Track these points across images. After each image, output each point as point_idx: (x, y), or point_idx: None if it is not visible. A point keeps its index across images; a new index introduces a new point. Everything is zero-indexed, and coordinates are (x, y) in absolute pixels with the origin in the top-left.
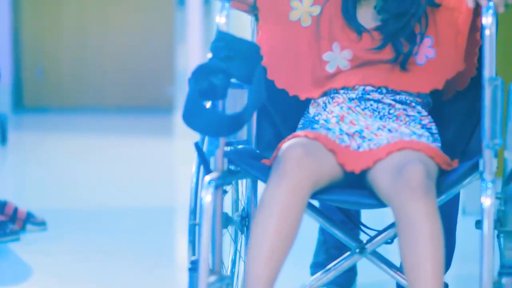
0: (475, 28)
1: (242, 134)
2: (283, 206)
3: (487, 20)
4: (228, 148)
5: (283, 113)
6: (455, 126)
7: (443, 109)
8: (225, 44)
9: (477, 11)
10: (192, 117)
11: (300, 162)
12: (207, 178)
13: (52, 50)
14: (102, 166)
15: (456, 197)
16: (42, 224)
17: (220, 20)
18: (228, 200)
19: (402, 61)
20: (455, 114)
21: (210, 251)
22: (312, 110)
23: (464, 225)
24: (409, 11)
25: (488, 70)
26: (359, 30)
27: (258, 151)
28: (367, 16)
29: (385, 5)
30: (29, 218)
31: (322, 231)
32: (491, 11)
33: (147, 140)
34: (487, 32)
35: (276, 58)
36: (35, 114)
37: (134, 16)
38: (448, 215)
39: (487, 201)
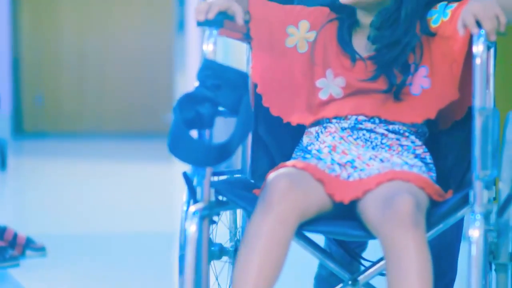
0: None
1: (237, 163)
2: (267, 239)
3: (478, 48)
4: (217, 178)
5: (278, 142)
6: (452, 156)
7: (440, 139)
8: (212, 72)
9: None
10: (178, 147)
11: (286, 193)
12: (192, 208)
13: (51, 76)
14: (101, 192)
15: (459, 224)
16: (41, 249)
17: (207, 48)
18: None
19: (396, 92)
20: (452, 144)
21: (194, 284)
22: (305, 139)
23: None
24: (402, 41)
25: (479, 100)
26: (353, 57)
27: (252, 181)
28: (362, 44)
29: (378, 35)
30: (29, 243)
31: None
32: (482, 39)
33: (146, 166)
34: (477, 60)
35: (271, 85)
36: (34, 139)
37: (133, 42)
38: (449, 243)
39: (475, 233)
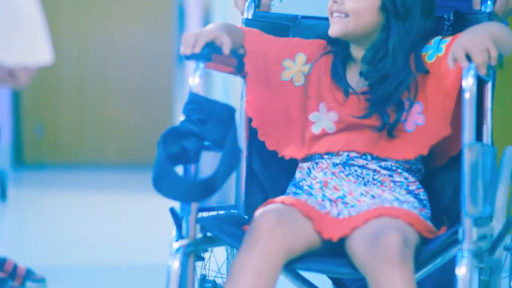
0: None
1: (231, 198)
2: (252, 275)
3: (467, 82)
4: (208, 214)
5: (272, 177)
6: (449, 193)
7: (437, 175)
8: (197, 106)
9: None
10: (161, 182)
11: (273, 229)
12: (176, 245)
13: (51, 107)
14: (101, 223)
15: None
16: (41, 281)
17: (193, 81)
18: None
19: (389, 130)
20: (449, 180)
21: None
22: (298, 174)
23: None
24: (395, 78)
25: (468, 135)
26: (347, 91)
27: (246, 217)
28: (355, 78)
29: (369, 70)
30: (29, 275)
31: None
32: (472, 73)
33: (146, 197)
34: (466, 95)
35: (267, 119)
36: (35, 170)
37: (133, 74)
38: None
39: (462, 271)
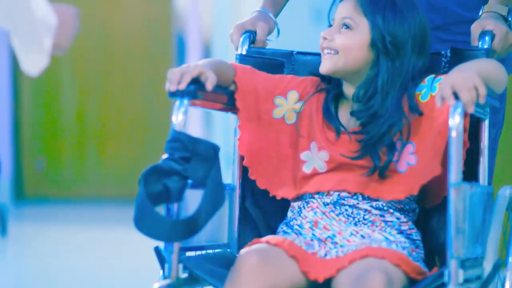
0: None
1: (223, 237)
2: None
3: (454, 120)
4: (193, 253)
5: (265, 216)
6: (443, 233)
7: (432, 215)
8: (180, 145)
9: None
10: (142, 222)
11: (256, 269)
12: (156, 285)
13: (52, 140)
14: (102, 258)
15: None
16: None
17: (176, 118)
18: None
19: (380, 172)
20: (444, 220)
21: None
22: (289, 214)
23: None
24: (386, 118)
25: (454, 175)
26: (338, 130)
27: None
28: (348, 116)
29: (359, 109)
30: None
31: None
32: (459, 110)
33: None
34: (453, 133)
35: (258, 158)
36: (35, 204)
37: (134, 109)
38: None
39: None
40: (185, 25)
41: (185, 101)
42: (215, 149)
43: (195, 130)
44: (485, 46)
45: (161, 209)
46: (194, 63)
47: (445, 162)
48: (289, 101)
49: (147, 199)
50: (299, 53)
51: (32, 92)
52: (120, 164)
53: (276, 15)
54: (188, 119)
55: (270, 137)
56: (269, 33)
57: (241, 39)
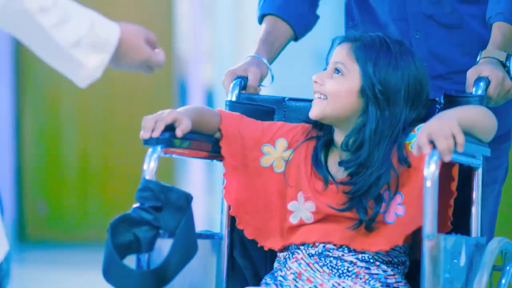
0: (450, 178)
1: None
2: None
3: (429, 169)
4: None
5: (253, 266)
6: None
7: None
8: (151, 194)
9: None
10: (110, 273)
11: None
12: None
13: (54, 184)
14: None
15: None
16: None
17: (148, 166)
18: None
19: (367, 225)
20: None
21: None
22: (275, 265)
23: None
24: (373, 169)
25: (429, 226)
26: (326, 180)
27: None
28: (337, 165)
29: (347, 158)
30: None
31: None
32: (434, 159)
33: None
34: (427, 183)
35: (246, 207)
36: (38, 248)
37: (135, 155)
38: None
39: None
40: (186, 69)
41: (158, 149)
42: (187, 198)
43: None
44: (479, 93)
45: (132, 260)
46: (170, 109)
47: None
48: (278, 149)
49: (114, 249)
50: (291, 99)
51: (34, 135)
52: (122, 207)
53: (271, 60)
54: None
55: (257, 186)
56: (262, 78)
57: (232, 85)
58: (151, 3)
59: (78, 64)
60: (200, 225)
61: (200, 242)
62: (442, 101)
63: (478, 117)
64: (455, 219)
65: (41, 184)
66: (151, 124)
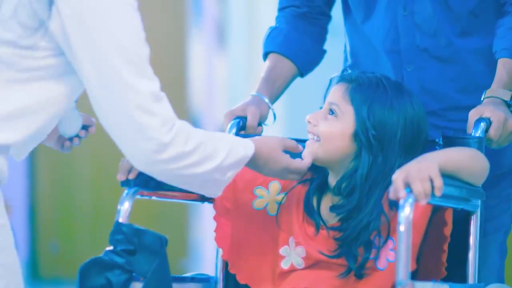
0: (443, 222)
1: None
2: None
3: (404, 213)
4: None
5: None
6: None
7: None
8: (123, 237)
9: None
10: None
11: None
12: None
13: (66, 223)
14: None
15: None
16: None
17: (122, 207)
18: None
19: (356, 272)
20: None
21: None
22: None
23: None
24: (364, 215)
25: (402, 272)
26: (318, 225)
27: None
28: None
29: (338, 203)
30: None
31: None
32: (409, 202)
33: None
34: (401, 227)
35: (238, 251)
36: (50, 286)
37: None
38: None
39: None
40: (200, 108)
41: (133, 190)
42: (161, 240)
43: None
44: (478, 134)
45: None
46: None
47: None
48: (271, 191)
49: None
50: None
51: (47, 174)
52: None
53: (273, 99)
54: None
55: (250, 229)
56: (263, 118)
57: (229, 125)
58: (164, 42)
59: (214, 182)
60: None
61: (193, 286)
62: (441, 142)
63: (465, 160)
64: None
65: (53, 223)
66: (128, 165)
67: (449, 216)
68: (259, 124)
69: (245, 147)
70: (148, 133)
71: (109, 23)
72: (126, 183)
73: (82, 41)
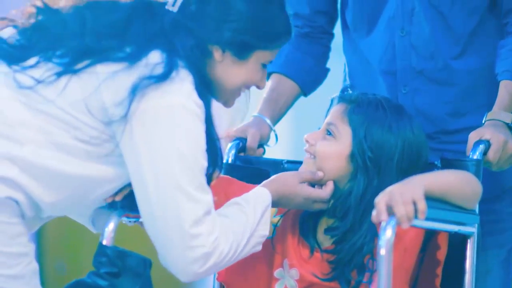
0: (436, 246)
1: None
2: None
3: (385, 237)
4: None
5: None
6: None
7: None
8: (107, 259)
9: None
10: None
11: None
12: None
13: (72, 244)
14: None
15: None
16: None
17: (106, 229)
18: None
19: None
20: None
21: None
22: None
23: None
24: (357, 238)
25: None
26: (312, 247)
27: None
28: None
29: (334, 226)
30: None
31: None
32: (391, 225)
33: None
34: (381, 251)
35: (233, 274)
36: None
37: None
38: None
39: None
40: None
41: (117, 214)
42: (145, 263)
43: None
44: (476, 157)
45: None
46: None
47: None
48: None
49: None
50: (289, 162)
51: None
52: None
53: (276, 119)
54: None
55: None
56: (264, 139)
57: (228, 146)
58: None
59: (252, 246)
60: None
61: None
62: (439, 164)
63: (454, 183)
64: None
65: (60, 244)
66: None
67: (442, 240)
68: (261, 146)
69: (264, 200)
70: (195, 242)
71: (174, 131)
72: (112, 205)
73: (144, 142)
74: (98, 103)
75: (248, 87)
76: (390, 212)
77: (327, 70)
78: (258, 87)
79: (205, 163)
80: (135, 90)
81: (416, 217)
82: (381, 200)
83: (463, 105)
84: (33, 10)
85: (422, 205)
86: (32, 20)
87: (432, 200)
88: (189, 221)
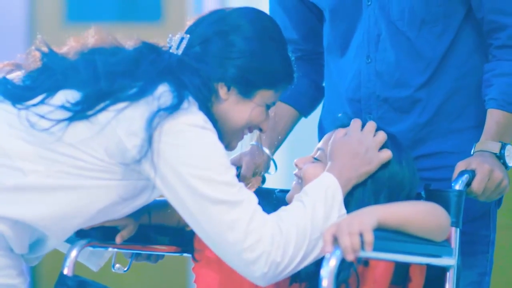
0: (408, 278)
1: None
2: None
3: (327, 268)
4: None
5: None
6: None
7: None
8: None
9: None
10: None
11: None
12: None
13: None
14: None
15: None
16: None
17: (68, 258)
18: None
19: None
20: None
21: None
22: None
23: None
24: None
25: None
26: (293, 277)
27: None
28: None
29: None
30: None
31: None
32: (336, 255)
33: None
34: (324, 283)
35: None
36: None
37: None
38: None
39: None
40: None
41: (82, 242)
42: None
43: None
44: (457, 187)
45: None
46: None
47: None
48: None
49: None
50: (281, 191)
51: None
52: None
53: (275, 146)
54: None
55: (233, 279)
56: (260, 168)
57: None
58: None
59: None
60: None
61: None
62: (423, 195)
63: (413, 215)
64: None
65: (56, 272)
66: None
67: (414, 272)
68: (260, 174)
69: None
70: (247, 244)
71: (200, 143)
72: (79, 233)
73: (170, 166)
74: (115, 138)
75: (251, 130)
76: (337, 243)
77: (324, 88)
78: (261, 129)
79: (233, 169)
80: (151, 122)
81: (363, 248)
82: (328, 231)
83: (430, 129)
84: (38, 54)
85: (368, 236)
86: (38, 64)
87: (388, 231)
88: (238, 228)
